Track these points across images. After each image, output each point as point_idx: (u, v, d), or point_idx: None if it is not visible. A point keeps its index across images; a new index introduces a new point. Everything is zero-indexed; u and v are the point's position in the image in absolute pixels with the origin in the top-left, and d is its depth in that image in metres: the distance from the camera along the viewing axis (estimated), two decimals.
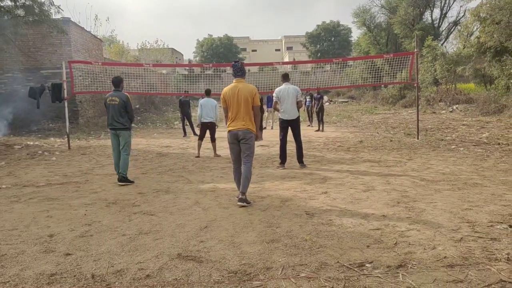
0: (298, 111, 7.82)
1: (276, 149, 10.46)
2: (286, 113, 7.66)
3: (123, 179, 6.65)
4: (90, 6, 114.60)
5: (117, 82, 6.89)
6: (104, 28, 55.74)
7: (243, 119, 5.18)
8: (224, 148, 10.59)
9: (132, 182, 6.73)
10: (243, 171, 5.21)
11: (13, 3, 13.29)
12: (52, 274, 3.19)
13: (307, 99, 16.84)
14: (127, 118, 6.83)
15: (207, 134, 9.67)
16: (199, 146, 9.63)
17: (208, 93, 10.03)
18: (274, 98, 7.78)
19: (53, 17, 14.71)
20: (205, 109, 9.46)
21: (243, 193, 5.14)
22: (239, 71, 5.28)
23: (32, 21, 13.92)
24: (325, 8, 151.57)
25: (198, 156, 9.50)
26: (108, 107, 6.81)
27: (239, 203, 5.10)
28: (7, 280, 3.10)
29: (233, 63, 5.40)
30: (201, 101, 9.65)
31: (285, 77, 7.84)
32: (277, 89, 7.76)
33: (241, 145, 5.23)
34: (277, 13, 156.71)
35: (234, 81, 5.31)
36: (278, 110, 7.83)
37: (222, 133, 14.52)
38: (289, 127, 7.76)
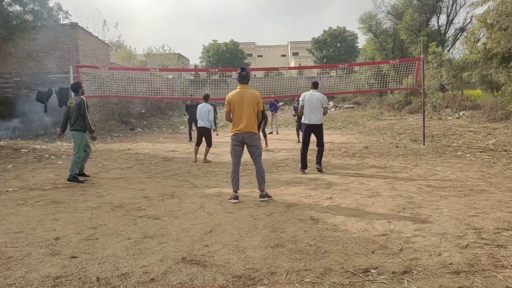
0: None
1: (280, 154, 10.50)
2: (309, 117, 7.84)
3: (71, 179, 7.09)
4: (98, 11, 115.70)
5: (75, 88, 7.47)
6: (111, 33, 56.23)
7: (248, 123, 5.56)
8: (227, 153, 10.60)
9: (81, 182, 7.12)
10: (257, 171, 5.68)
11: (22, 8, 13.45)
12: (58, 277, 3.21)
13: None
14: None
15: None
16: (196, 151, 9.76)
17: (205, 98, 9.96)
18: (300, 102, 8.07)
19: (62, 22, 14.87)
20: (199, 114, 9.59)
21: (262, 190, 5.66)
22: (245, 78, 5.67)
23: (40, 26, 14.08)
24: (332, 14, 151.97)
25: (195, 161, 9.59)
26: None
27: (260, 199, 5.59)
28: (13, 283, 3.12)
29: (239, 71, 5.72)
30: (198, 107, 9.82)
31: (314, 85, 8.11)
32: (303, 94, 7.99)
33: (249, 148, 5.68)
34: (284, 19, 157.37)
35: (238, 86, 5.69)
36: (302, 114, 8.03)
37: (226, 137, 14.59)
38: (312, 133, 7.94)
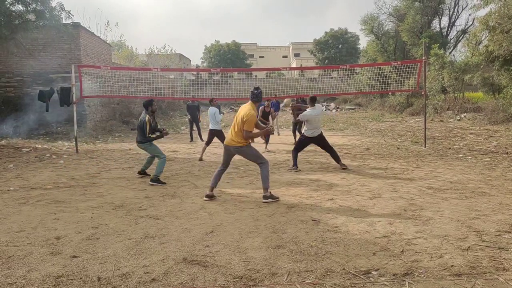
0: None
1: (281, 155, 10.51)
2: (314, 132, 8.18)
3: (155, 180, 7.05)
4: (100, 11, 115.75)
5: (145, 105, 7.45)
6: (113, 33, 56.20)
7: (235, 136, 5.70)
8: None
9: (164, 183, 7.05)
10: (261, 172, 5.76)
11: (24, 8, 13.46)
12: (59, 276, 3.21)
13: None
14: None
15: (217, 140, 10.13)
16: (203, 150, 10.12)
17: (210, 102, 10.71)
18: (302, 119, 8.30)
19: (64, 22, 14.88)
20: (209, 117, 10.14)
21: (266, 188, 5.65)
22: (255, 97, 5.83)
23: (42, 25, 14.09)
24: (335, 16, 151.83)
25: (201, 160, 9.86)
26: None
27: (263, 200, 5.59)
28: (14, 282, 3.13)
29: (253, 90, 5.91)
30: (208, 111, 10.40)
31: (313, 101, 8.31)
32: (303, 115, 8.14)
33: (246, 158, 5.90)
34: (286, 20, 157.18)
35: (249, 101, 5.89)
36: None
37: None
38: (314, 143, 8.41)
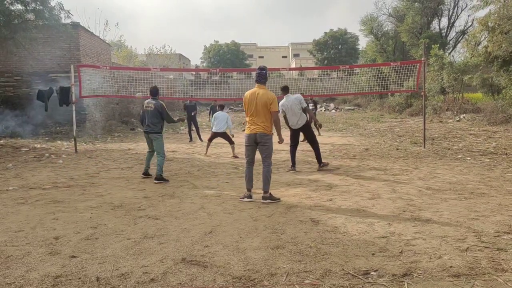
0: (308, 117, 8.26)
1: (281, 155, 10.51)
2: (291, 122, 8.07)
3: (159, 178, 7.16)
4: (99, 11, 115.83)
5: (154, 91, 7.58)
6: (113, 33, 56.14)
7: (260, 123, 5.53)
8: (228, 154, 10.62)
9: (167, 181, 7.18)
10: (263, 171, 5.66)
11: (23, 8, 13.45)
12: (57, 276, 3.20)
13: (311, 106, 16.61)
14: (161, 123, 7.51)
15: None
16: (207, 146, 11.03)
17: (222, 107, 11.58)
18: (281, 112, 8.05)
19: (63, 21, 14.88)
20: (217, 121, 10.59)
21: (266, 191, 5.57)
22: (263, 78, 5.61)
23: (42, 25, 14.08)
24: (335, 16, 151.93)
25: (205, 154, 10.67)
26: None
27: (262, 201, 5.52)
28: (13, 282, 3.12)
29: (258, 70, 5.66)
30: (215, 114, 10.91)
31: (284, 90, 8.16)
32: (280, 104, 7.96)
33: (259, 147, 5.64)
34: (286, 21, 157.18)
35: (255, 86, 5.64)
36: (287, 123, 8.22)
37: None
38: (300, 134, 8.26)
